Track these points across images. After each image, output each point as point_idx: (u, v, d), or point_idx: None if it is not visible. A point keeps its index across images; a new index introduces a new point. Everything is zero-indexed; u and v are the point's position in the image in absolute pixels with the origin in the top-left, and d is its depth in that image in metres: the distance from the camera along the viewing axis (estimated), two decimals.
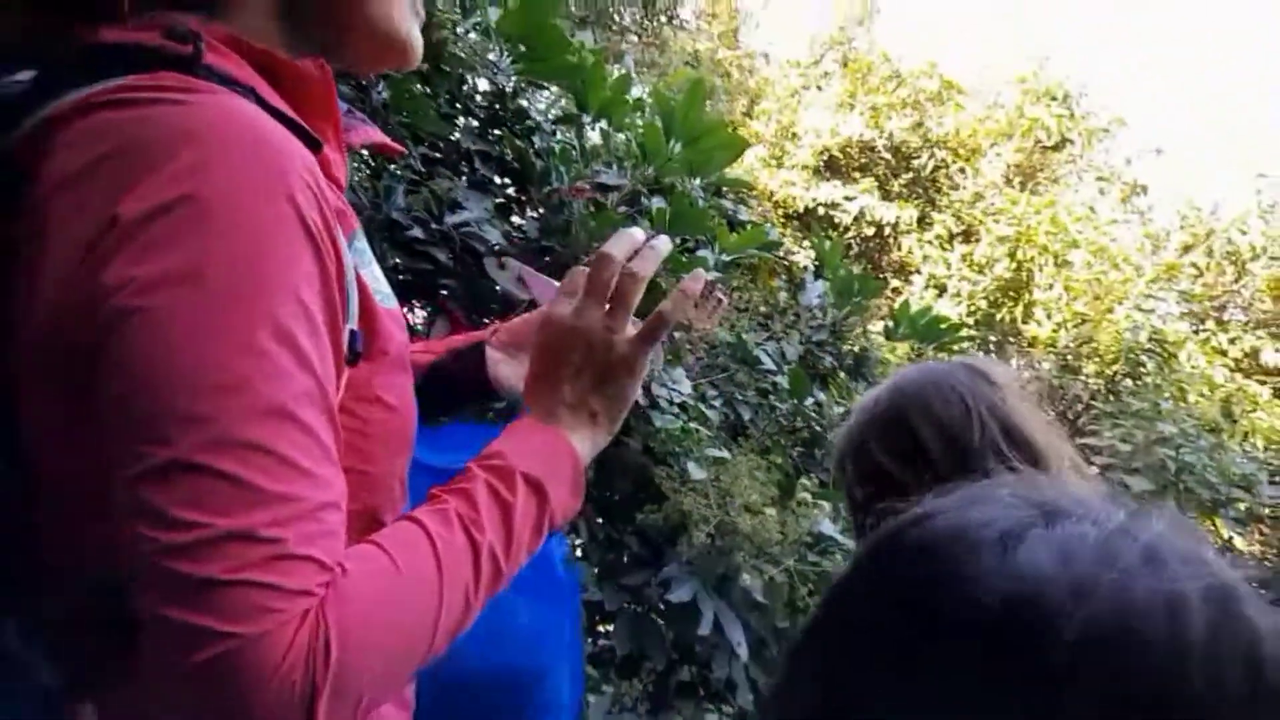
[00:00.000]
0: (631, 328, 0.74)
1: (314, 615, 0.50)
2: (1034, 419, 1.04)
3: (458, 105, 1.93)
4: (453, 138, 1.89)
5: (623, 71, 2.02)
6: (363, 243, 0.67)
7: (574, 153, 1.93)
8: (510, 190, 2.00)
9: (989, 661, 0.32)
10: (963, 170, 10.20)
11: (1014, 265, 8.91)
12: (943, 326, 3.11)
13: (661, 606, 2.03)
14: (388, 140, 0.81)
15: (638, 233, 0.75)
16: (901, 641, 0.35)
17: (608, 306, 0.73)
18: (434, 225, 1.73)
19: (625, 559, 2.13)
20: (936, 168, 10.23)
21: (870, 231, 9.81)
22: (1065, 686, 0.31)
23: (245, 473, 0.49)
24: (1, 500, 0.58)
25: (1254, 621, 0.33)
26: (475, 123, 1.96)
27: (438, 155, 1.87)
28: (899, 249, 9.99)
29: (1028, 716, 0.31)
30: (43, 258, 0.53)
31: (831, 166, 10.24)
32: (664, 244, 0.76)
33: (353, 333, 0.61)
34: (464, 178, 1.88)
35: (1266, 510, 5.30)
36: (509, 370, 0.96)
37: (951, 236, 9.83)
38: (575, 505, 0.69)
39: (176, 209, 0.51)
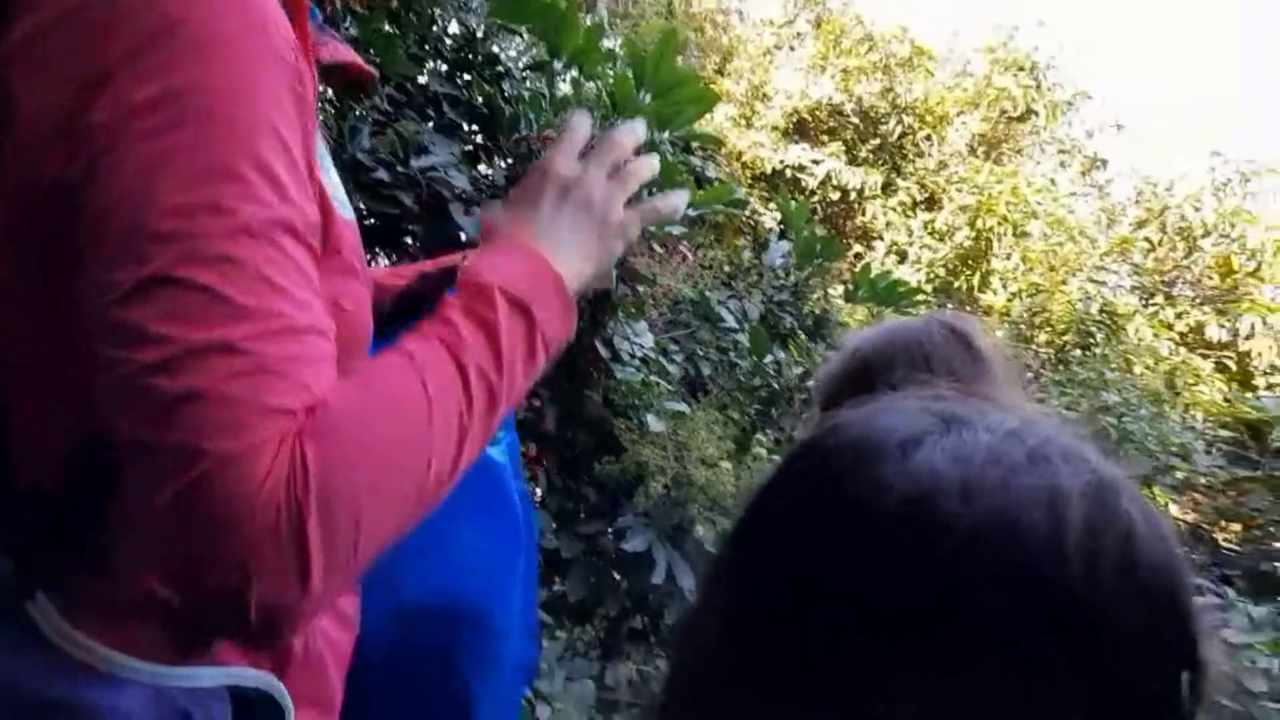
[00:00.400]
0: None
1: (291, 438, 0.48)
2: (1004, 380, 1.05)
3: (427, 47, 1.90)
4: (420, 80, 1.86)
5: (596, 20, 1.99)
6: (322, 146, 0.65)
7: (544, 101, 1.92)
8: (478, 137, 1.98)
9: (886, 560, 0.34)
10: (929, 138, 10.22)
11: (974, 234, 9.00)
12: (900, 291, 3.17)
13: (616, 555, 2.07)
14: (359, 60, 0.79)
15: (641, 126, 0.74)
16: (811, 544, 0.37)
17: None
18: (400, 169, 1.71)
19: (582, 509, 2.16)
20: (903, 134, 10.24)
21: (836, 196, 9.81)
22: (956, 580, 0.33)
23: (223, 286, 0.48)
24: None
25: (1130, 515, 0.35)
26: (444, 66, 1.93)
27: (405, 97, 1.84)
28: (863, 214, 10.02)
29: (923, 612, 0.33)
30: (16, 113, 0.51)
31: (800, 129, 10.19)
32: (654, 160, 0.75)
33: None
34: (431, 122, 1.85)
35: (1202, 479, 5.51)
36: None
37: (915, 203, 9.87)
38: (566, 330, 0.66)
39: (163, 39, 0.50)
